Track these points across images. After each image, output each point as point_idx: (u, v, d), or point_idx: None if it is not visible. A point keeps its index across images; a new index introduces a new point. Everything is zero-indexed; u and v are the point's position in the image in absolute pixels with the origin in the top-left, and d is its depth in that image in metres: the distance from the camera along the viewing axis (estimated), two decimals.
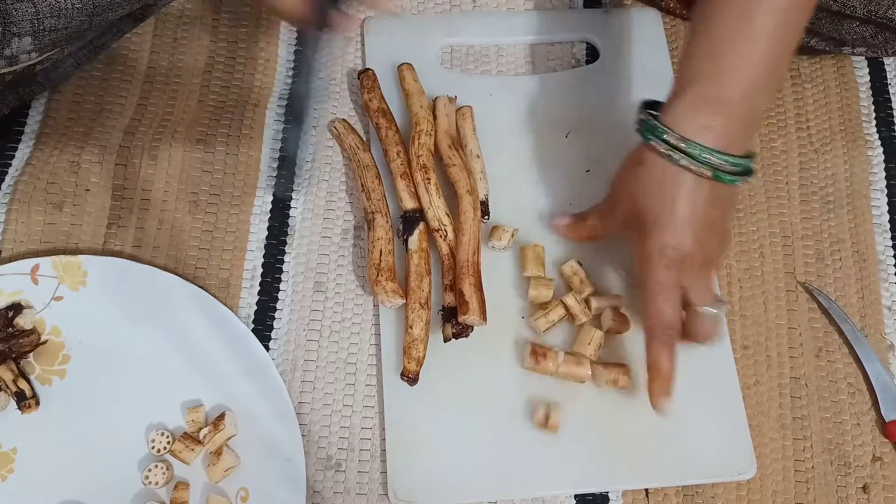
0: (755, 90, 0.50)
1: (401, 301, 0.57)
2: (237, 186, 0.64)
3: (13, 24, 0.52)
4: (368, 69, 0.66)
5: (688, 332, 0.53)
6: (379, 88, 0.65)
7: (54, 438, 0.55)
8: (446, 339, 0.56)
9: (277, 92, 0.67)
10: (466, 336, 0.56)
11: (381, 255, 0.58)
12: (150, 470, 0.53)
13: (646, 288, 0.52)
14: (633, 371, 0.56)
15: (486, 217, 0.61)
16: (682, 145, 0.49)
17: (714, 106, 0.49)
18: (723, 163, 0.49)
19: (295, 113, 0.56)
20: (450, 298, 0.57)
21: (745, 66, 0.49)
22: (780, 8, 0.49)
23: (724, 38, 0.49)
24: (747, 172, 0.51)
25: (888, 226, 0.64)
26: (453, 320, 0.56)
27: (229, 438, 0.54)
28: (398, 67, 0.65)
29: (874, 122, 0.68)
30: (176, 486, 0.53)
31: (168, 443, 0.54)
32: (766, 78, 0.50)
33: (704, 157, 0.49)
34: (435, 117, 0.63)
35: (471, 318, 0.55)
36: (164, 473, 0.53)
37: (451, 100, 0.64)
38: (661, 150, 0.50)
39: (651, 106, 0.52)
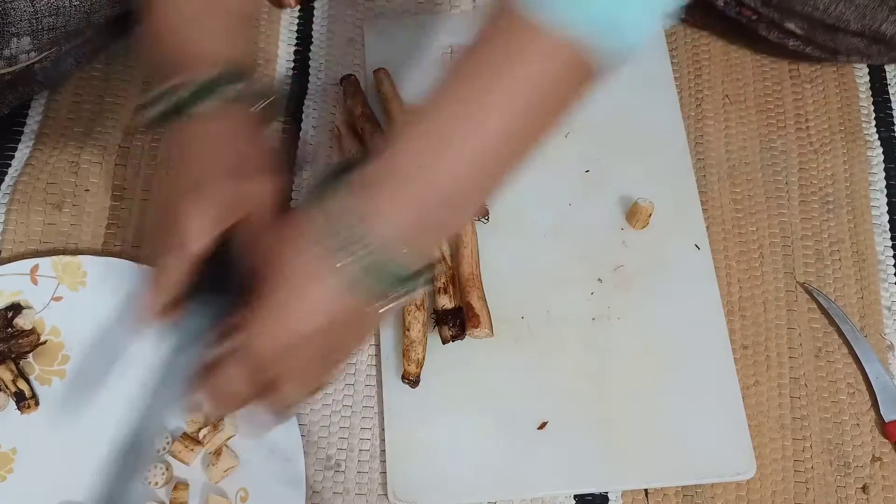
0: (459, 192, 0.39)
1: None
2: None
3: (12, 25, 0.52)
4: (350, 75, 0.66)
5: None
6: (363, 94, 0.65)
7: (54, 439, 0.55)
8: (444, 342, 0.56)
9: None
10: (463, 338, 0.56)
11: None
12: (149, 470, 0.53)
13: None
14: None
15: (486, 218, 0.61)
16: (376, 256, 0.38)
17: (413, 201, 0.39)
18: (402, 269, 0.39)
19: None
20: (444, 301, 0.57)
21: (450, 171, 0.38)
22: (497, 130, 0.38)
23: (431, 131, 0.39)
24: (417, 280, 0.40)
25: (888, 226, 0.64)
26: (451, 322, 0.56)
27: (229, 438, 0.54)
28: (375, 72, 0.65)
29: (874, 123, 0.68)
30: (175, 487, 0.53)
31: (167, 443, 0.54)
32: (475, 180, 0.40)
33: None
34: None
35: (483, 331, 0.56)
36: (163, 474, 0.53)
37: None
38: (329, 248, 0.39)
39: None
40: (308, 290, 0.39)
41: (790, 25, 0.63)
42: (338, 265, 0.38)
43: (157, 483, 0.53)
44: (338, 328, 0.40)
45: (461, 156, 0.38)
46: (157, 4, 0.45)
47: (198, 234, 0.42)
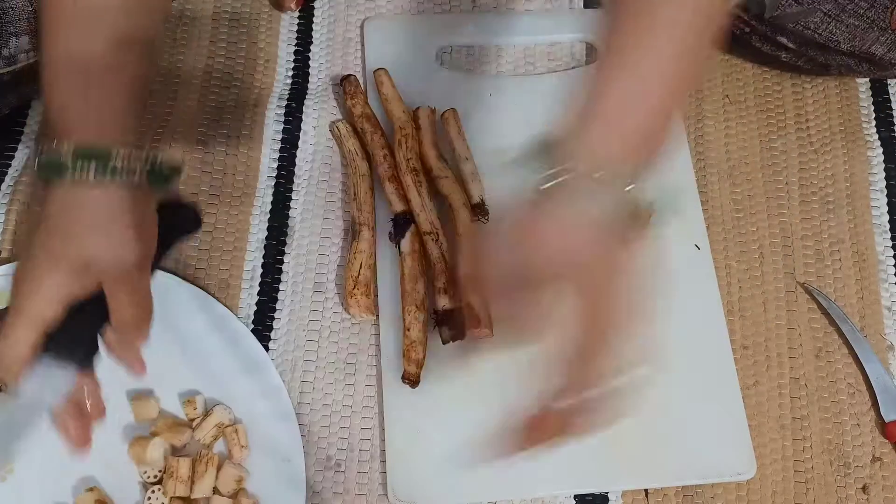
0: (662, 111, 0.43)
1: (371, 318, 0.58)
2: (237, 187, 0.64)
3: (10, 24, 0.52)
4: (350, 75, 0.66)
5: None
6: (363, 94, 0.65)
7: (53, 439, 0.55)
8: (444, 342, 0.56)
9: (277, 92, 0.67)
10: (463, 338, 0.56)
11: (360, 267, 0.59)
12: (152, 492, 0.53)
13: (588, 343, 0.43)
14: None
15: (486, 218, 0.61)
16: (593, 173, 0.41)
17: (625, 132, 0.43)
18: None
19: None
20: (444, 302, 0.57)
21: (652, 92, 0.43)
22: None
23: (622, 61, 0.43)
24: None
25: (888, 226, 0.64)
26: (450, 323, 0.56)
27: (220, 425, 0.54)
28: (375, 72, 0.65)
29: (874, 123, 0.68)
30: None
31: (159, 471, 0.54)
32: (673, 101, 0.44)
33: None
34: (419, 128, 0.63)
35: (483, 331, 0.56)
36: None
37: (433, 110, 0.64)
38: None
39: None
40: (612, 257, 0.42)
41: (782, 40, 0.64)
42: (602, 222, 0.41)
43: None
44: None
45: (655, 83, 0.42)
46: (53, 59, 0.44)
47: (45, 306, 0.43)
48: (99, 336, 0.46)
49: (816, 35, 0.61)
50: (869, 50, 0.61)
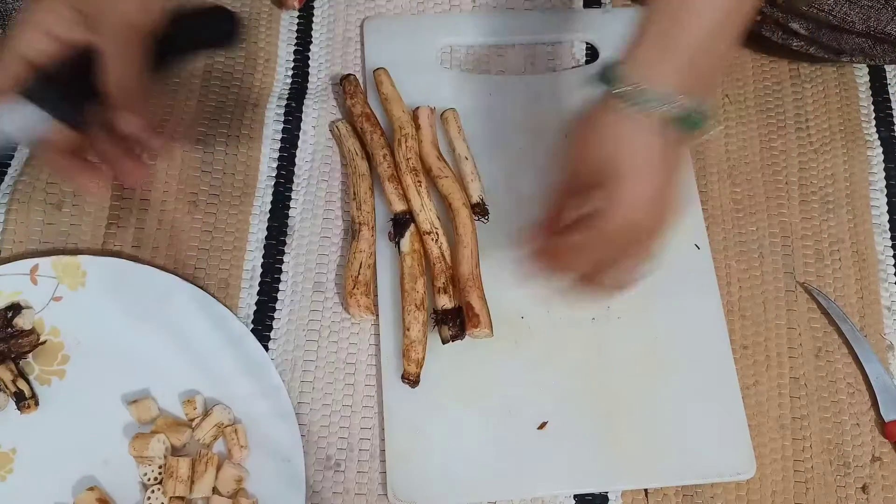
0: (713, 35, 0.47)
1: (371, 318, 0.58)
2: (236, 186, 0.64)
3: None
4: (350, 75, 0.66)
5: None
6: (363, 93, 0.65)
7: (53, 439, 0.55)
8: (444, 342, 0.56)
9: (277, 92, 0.67)
10: (463, 338, 0.56)
11: (360, 267, 0.59)
12: (152, 492, 0.53)
13: (598, 233, 0.47)
14: None
15: (486, 218, 0.61)
16: (644, 92, 0.46)
17: (675, 52, 0.47)
18: (680, 110, 0.46)
19: None
20: (443, 301, 0.57)
21: (704, 10, 0.46)
22: None
23: None
24: (703, 119, 0.47)
25: (887, 226, 0.64)
26: (450, 322, 0.56)
27: (220, 425, 0.54)
28: (374, 72, 0.65)
29: (874, 123, 0.68)
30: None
31: (158, 473, 0.54)
32: (725, 21, 0.47)
33: (661, 104, 0.46)
34: (419, 128, 0.63)
35: (483, 331, 0.56)
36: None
37: (433, 110, 0.64)
38: (624, 101, 0.46)
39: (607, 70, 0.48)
40: (641, 155, 0.46)
41: (795, 26, 0.63)
42: (645, 125, 0.45)
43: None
44: (666, 178, 0.47)
45: (700, 22, 0.46)
46: None
47: (35, 39, 0.45)
48: (88, 99, 0.46)
49: (831, 17, 0.61)
50: (885, 30, 0.61)
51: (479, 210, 0.61)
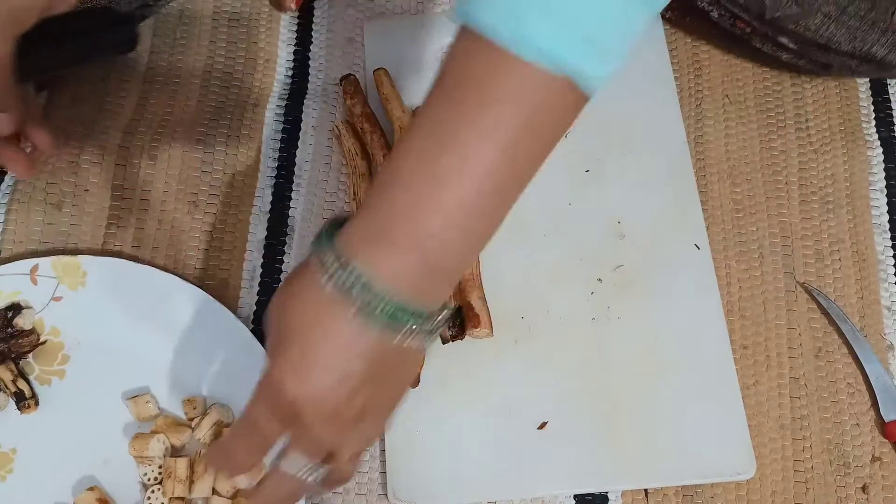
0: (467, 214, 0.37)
1: None
2: (237, 187, 0.64)
3: None
4: (350, 75, 0.66)
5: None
6: (363, 94, 0.65)
7: (53, 439, 0.55)
8: (444, 342, 0.56)
9: (277, 92, 0.67)
10: (462, 338, 0.56)
11: None
12: (152, 492, 0.53)
13: (244, 416, 0.40)
14: None
15: None
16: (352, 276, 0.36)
17: (408, 236, 0.36)
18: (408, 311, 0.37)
19: None
20: None
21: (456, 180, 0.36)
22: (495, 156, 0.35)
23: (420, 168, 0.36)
24: (425, 323, 0.37)
25: (887, 226, 0.64)
26: (450, 323, 0.56)
27: (219, 424, 0.54)
28: (375, 72, 0.65)
29: (873, 123, 0.68)
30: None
31: (158, 474, 0.54)
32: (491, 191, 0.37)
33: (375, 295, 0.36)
34: None
35: (483, 331, 0.56)
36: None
37: None
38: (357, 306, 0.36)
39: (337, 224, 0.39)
40: (326, 339, 0.37)
41: (783, 40, 0.64)
42: (348, 313, 0.36)
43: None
44: (377, 371, 0.38)
45: (452, 203, 0.36)
46: None
47: None
48: None
49: (817, 36, 0.61)
50: (870, 51, 0.61)
51: None
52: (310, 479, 0.40)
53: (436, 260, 0.36)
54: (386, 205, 0.37)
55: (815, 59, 0.65)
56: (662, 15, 0.70)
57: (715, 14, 0.65)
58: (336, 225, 0.39)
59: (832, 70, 0.66)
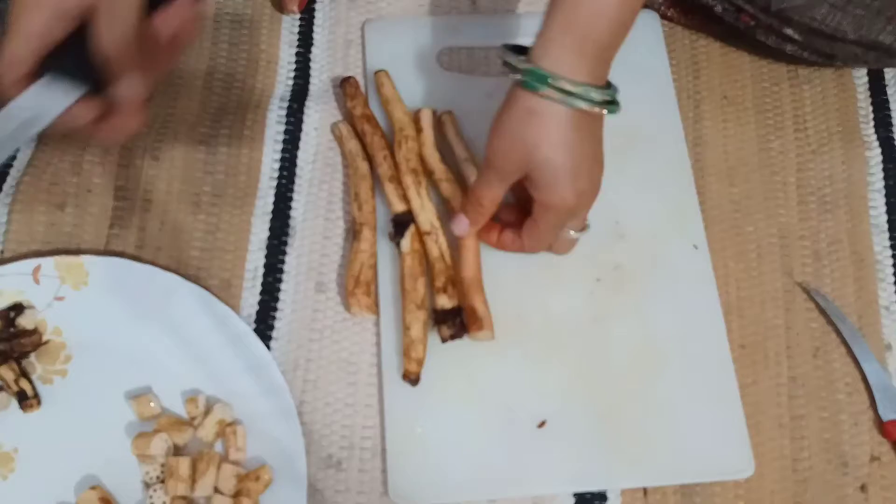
0: (615, 30, 0.51)
1: (372, 317, 0.59)
2: (239, 187, 0.64)
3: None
4: (350, 77, 0.66)
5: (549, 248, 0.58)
6: (363, 95, 0.65)
7: (56, 438, 0.55)
8: (444, 341, 0.57)
9: (279, 93, 0.68)
10: (461, 337, 0.57)
11: (361, 267, 0.59)
12: (154, 491, 0.53)
13: (540, 224, 0.54)
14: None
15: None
16: (577, 90, 0.49)
17: (585, 46, 0.50)
18: (602, 97, 0.51)
19: None
20: (443, 301, 0.57)
21: (605, 10, 0.50)
22: None
23: None
24: (616, 102, 0.52)
25: (885, 226, 0.64)
26: (450, 322, 0.56)
27: (221, 422, 0.54)
28: (375, 74, 0.66)
29: (872, 124, 0.68)
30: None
31: (161, 473, 0.54)
32: (625, 19, 0.51)
33: (594, 97, 0.50)
34: (420, 130, 0.63)
35: (485, 333, 0.56)
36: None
37: (435, 112, 0.64)
38: (556, 98, 0.50)
39: (514, 50, 0.53)
40: (582, 143, 0.51)
41: (788, 31, 0.64)
42: (553, 109, 0.50)
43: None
44: (599, 148, 0.54)
45: (611, 7, 0.50)
46: None
47: (42, 19, 0.43)
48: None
49: (823, 26, 0.61)
50: (877, 39, 0.61)
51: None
52: (576, 237, 0.57)
53: (602, 53, 0.51)
54: (560, 22, 0.50)
55: (819, 50, 0.65)
56: (664, 13, 0.71)
57: (719, 8, 0.65)
58: (514, 50, 0.53)
59: (836, 60, 0.66)
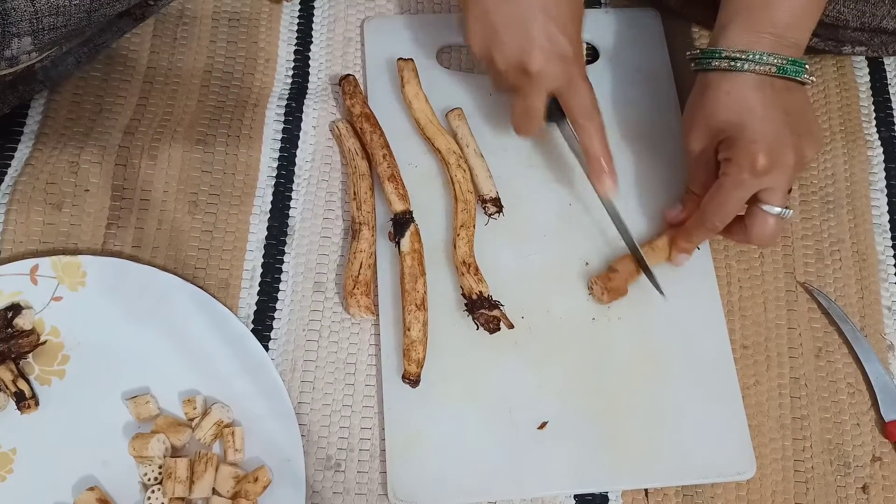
0: (798, 18, 0.54)
1: (371, 317, 0.59)
2: (237, 187, 0.64)
3: (12, 25, 0.52)
4: (349, 75, 0.66)
5: (746, 231, 0.56)
6: (362, 93, 0.65)
7: (53, 439, 0.55)
8: (478, 327, 0.57)
9: (277, 92, 0.67)
10: (499, 328, 0.57)
11: (360, 267, 0.59)
12: (152, 492, 0.53)
13: (724, 182, 0.54)
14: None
15: (501, 213, 0.61)
16: (740, 55, 0.53)
17: (764, 27, 0.53)
18: (782, 61, 0.53)
19: None
20: (470, 283, 0.57)
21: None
22: None
23: None
24: (804, 69, 0.54)
25: (888, 226, 0.64)
26: (484, 308, 0.56)
27: (219, 423, 0.54)
28: (399, 61, 0.65)
29: (874, 123, 0.68)
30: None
31: (158, 474, 0.54)
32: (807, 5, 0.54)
33: (763, 59, 0.52)
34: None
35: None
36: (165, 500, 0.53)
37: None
38: (723, 66, 0.53)
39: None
40: (753, 99, 0.53)
41: None
42: (751, 82, 0.53)
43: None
44: (787, 107, 0.54)
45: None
46: None
47: (551, 74, 0.56)
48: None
49: (824, 17, 0.61)
50: (880, 25, 0.61)
51: (496, 204, 0.61)
52: (776, 213, 0.55)
53: (794, 35, 0.54)
54: (745, 15, 0.54)
55: (827, 37, 0.65)
56: (667, 3, 0.70)
57: None
58: (704, 50, 0.56)
59: (845, 46, 0.66)
